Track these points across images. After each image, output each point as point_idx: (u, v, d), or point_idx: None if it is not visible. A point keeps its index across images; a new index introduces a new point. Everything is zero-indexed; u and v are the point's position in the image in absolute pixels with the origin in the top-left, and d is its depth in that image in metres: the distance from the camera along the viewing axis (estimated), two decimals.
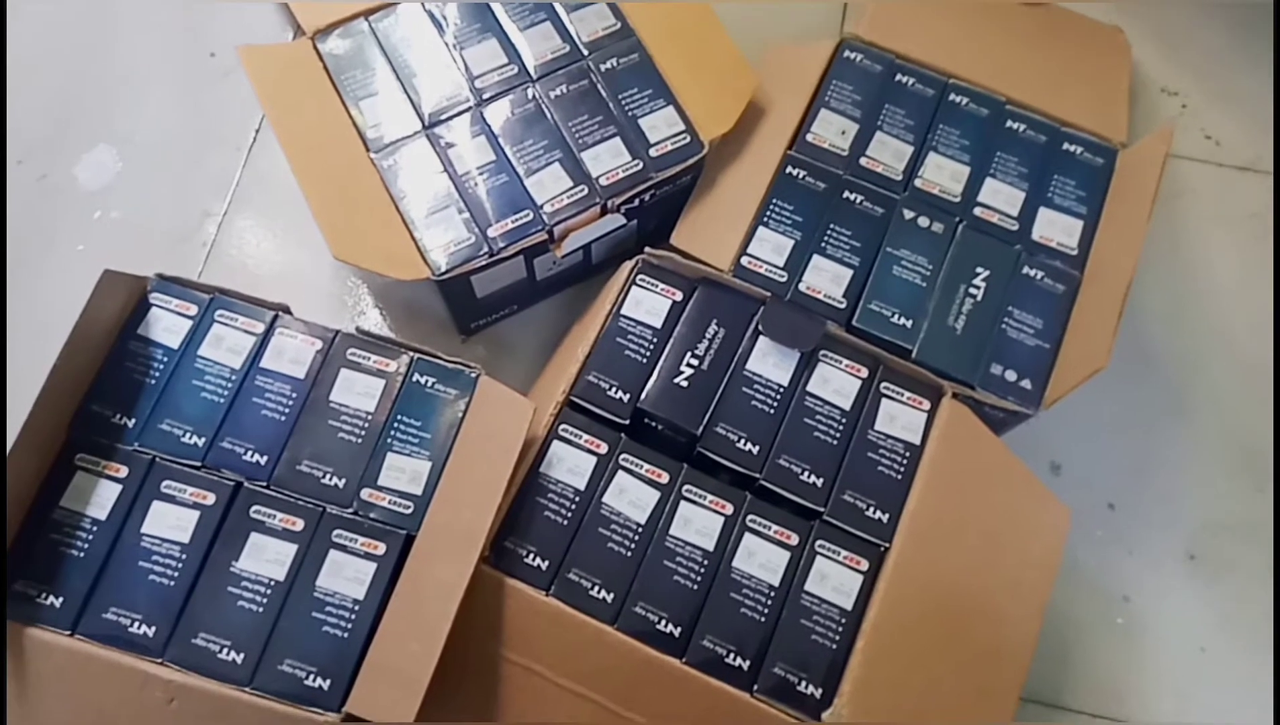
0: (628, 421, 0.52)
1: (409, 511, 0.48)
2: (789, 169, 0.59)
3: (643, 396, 0.52)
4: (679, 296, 0.55)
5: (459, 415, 0.50)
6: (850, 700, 0.46)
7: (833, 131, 0.61)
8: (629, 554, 0.49)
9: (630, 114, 0.59)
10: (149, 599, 0.46)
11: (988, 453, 0.53)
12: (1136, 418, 0.67)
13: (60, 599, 0.45)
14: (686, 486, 0.51)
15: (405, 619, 0.45)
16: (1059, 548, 0.51)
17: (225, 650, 0.45)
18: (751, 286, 0.56)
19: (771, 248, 0.57)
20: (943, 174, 0.60)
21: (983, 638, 0.49)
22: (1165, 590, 0.63)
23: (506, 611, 0.48)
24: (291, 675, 0.45)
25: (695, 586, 0.48)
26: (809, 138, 0.60)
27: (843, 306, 0.56)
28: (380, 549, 0.47)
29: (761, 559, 0.49)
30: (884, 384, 0.54)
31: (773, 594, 0.49)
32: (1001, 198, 0.59)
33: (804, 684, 0.47)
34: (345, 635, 0.45)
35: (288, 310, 0.53)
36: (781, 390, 0.53)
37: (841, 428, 0.52)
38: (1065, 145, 0.61)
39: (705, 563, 0.49)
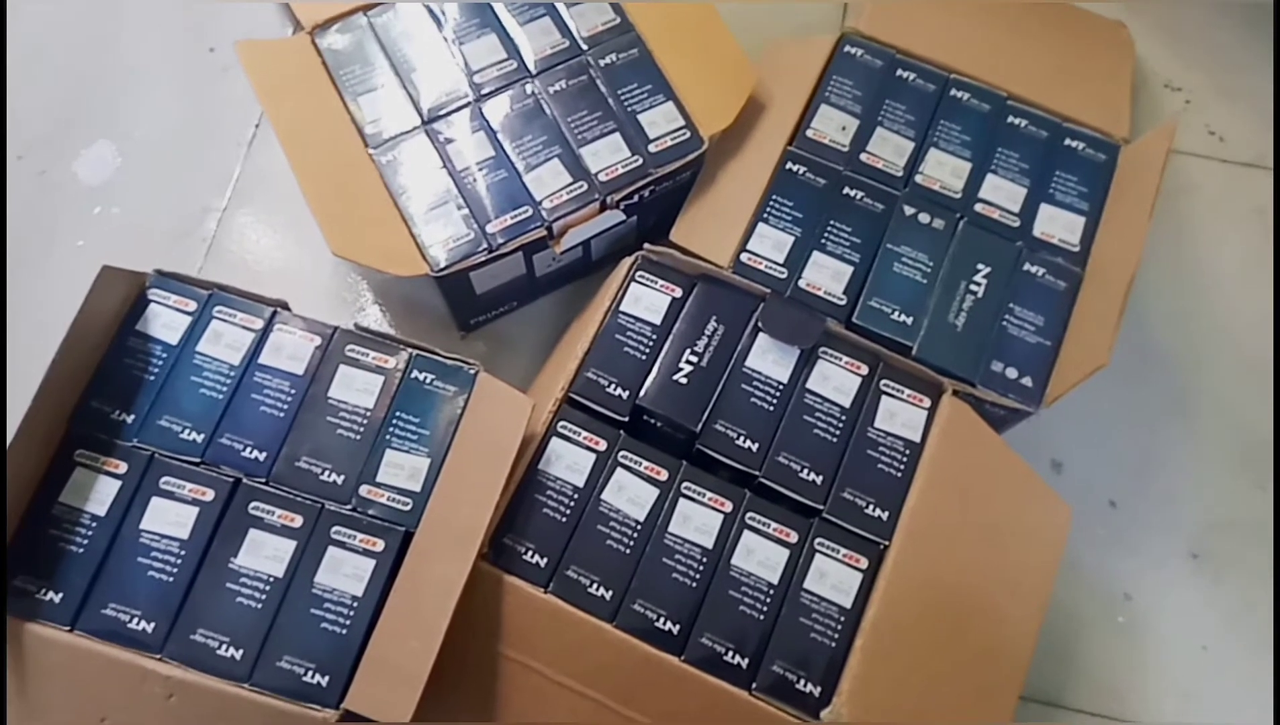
0: (627, 418, 0.52)
1: (407, 508, 0.48)
2: (789, 165, 0.59)
3: (642, 393, 0.52)
4: (678, 293, 0.55)
5: (458, 412, 0.50)
6: (849, 699, 0.46)
7: (833, 127, 0.60)
8: (628, 551, 0.49)
9: (630, 109, 0.59)
10: (148, 595, 0.46)
11: (988, 450, 0.53)
12: (1139, 415, 0.67)
13: (60, 595, 0.45)
14: (685, 484, 0.51)
15: (403, 616, 0.45)
16: (1059, 546, 0.51)
17: (224, 646, 0.45)
18: (751, 283, 0.55)
19: (771, 244, 0.57)
20: (944, 170, 0.60)
21: (982, 636, 0.49)
22: (1167, 589, 0.63)
23: (505, 608, 0.48)
24: (290, 672, 0.45)
25: (694, 584, 0.48)
26: (809, 133, 0.60)
27: (843, 303, 0.56)
28: (379, 546, 0.47)
29: (760, 557, 0.49)
30: (884, 381, 0.53)
31: (772, 592, 0.48)
32: (1003, 194, 0.59)
33: (803, 682, 0.47)
34: (343, 632, 0.45)
35: (286, 306, 0.53)
36: (781, 387, 0.53)
37: (841, 425, 0.52)
38: (1067, 141, 0.61)
39: (704, 560, 0.49)
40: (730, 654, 0.47)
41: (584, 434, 0.51)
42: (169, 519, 0.47)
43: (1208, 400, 0.67)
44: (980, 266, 0.57)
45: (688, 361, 0.53)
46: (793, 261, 0.56)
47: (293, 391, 0.50)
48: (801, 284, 0.56)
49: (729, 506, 0.50)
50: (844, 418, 0.52)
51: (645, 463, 0.51)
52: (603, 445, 0.51)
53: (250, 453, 0.49)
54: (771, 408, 0.52)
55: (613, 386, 0.53)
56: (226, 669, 0.45)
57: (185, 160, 0.73)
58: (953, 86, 0.62)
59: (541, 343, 0.67)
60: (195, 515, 0.47)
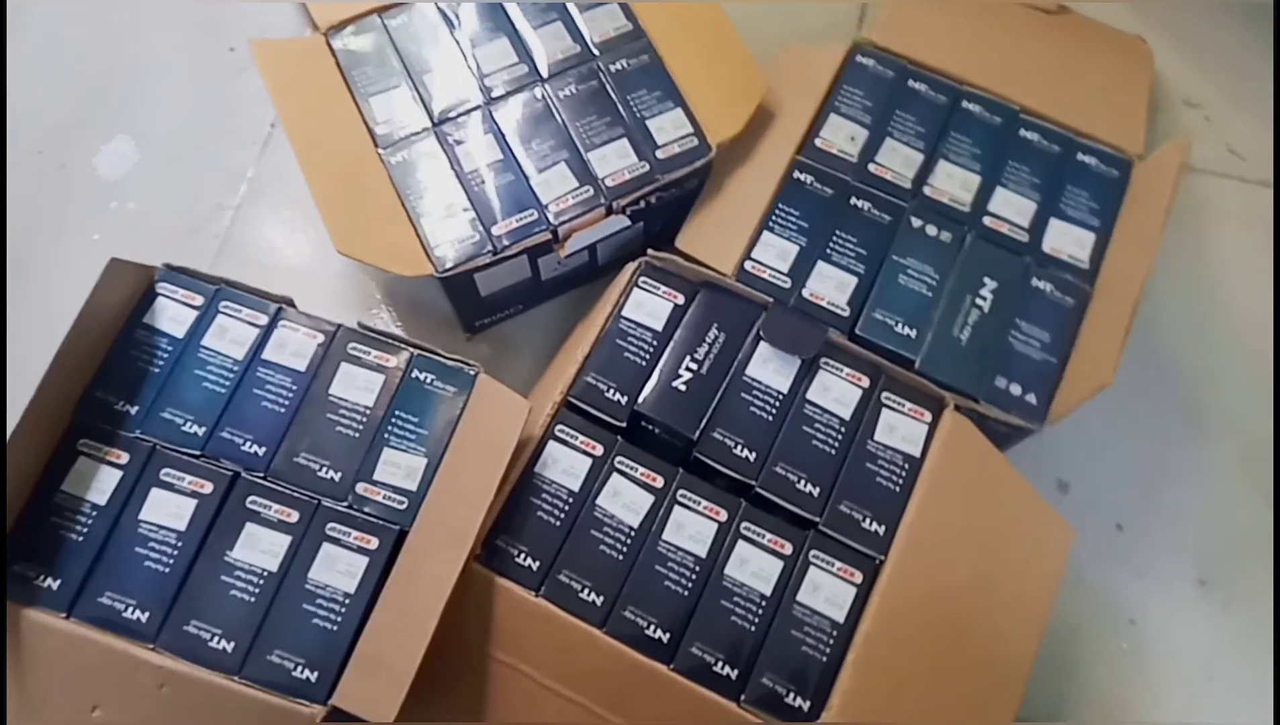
0: (625, 424, 0.52)
1: (403, 507, 0.48)
2: (796, 174, 0.59)
3: (640, 399, 0.52)
4: (681, 299, 0.55)
5: (457, 413, 0.50)
6: (839, 714, 0.45)
7: (842, 137, 0.60)
8: (620, 557, 0.49)
9: (639, 115, 0.59)
10: (144, 585, 0.46)
11: (989, 467, 0.52)
12: (1149, 436, 0.65)
13: (58, 582, 0.46)
14: (681, 491, 0.50)
15: (394, 614, 0.45)
16: (1060, 567, 0.50)
17: (216, 638, 0.45)
18: (754, 291, 0.55)
19: (776, 253, 0.57)
20: (953, 182, 0.59)
21: (978, 655, 0.48)
22: (1173, 615, 0.61)
23: (496, 610, 0.48)
24: (280, 666, 0.45)
25: (686, 593, 0.48)
26: (818, 143, 0.60)
27: (846, 314, 0.55)
28: (373, 543, 0.47)
29: (754, 567, 0.49)
30: (885, 394, 0.53)
31: (764, 603, 0.48)
32: (1012, 208, 0.58)
33: (792, 696, 0.46)
34: (335, 628, 0.46)
35: (292, 303, 0.53)
36: (781, 397, 0.52)
37: (840, 437, 0.52)
38: (1079, 156, 0.60)
39: (697, 569, 0.49)
40: (720, 664, 0.47)
41: (581, 438, 0.51)
42: (168, 510, 0.47)
43: (1221, 422, 0.66)
44: (987, 281, 0.56)
45: (688, 368, 0.53)
46: (797, 271, 0.56)
47: (294, 387, 0.51)
48: (805, 294, 0.56)
49: (724, 515, 0.50)
50: (843, 430, 0.52)
51: (641, 469, 0.51)
52: (600, 450, 0.51)
53: (250, 447, 0.49)
54: (770, 417, 0.52)
55: (612, 391, 0.53)
56: (218, 661, 0.45)
57: (201, 157, 0.74)
58: (964, 98, 0.62)
59: (546, 346, 0.67)
60: (193, 507, 0.48)
